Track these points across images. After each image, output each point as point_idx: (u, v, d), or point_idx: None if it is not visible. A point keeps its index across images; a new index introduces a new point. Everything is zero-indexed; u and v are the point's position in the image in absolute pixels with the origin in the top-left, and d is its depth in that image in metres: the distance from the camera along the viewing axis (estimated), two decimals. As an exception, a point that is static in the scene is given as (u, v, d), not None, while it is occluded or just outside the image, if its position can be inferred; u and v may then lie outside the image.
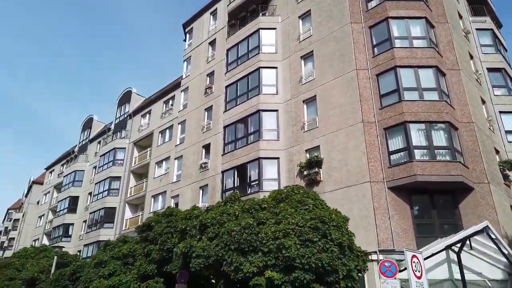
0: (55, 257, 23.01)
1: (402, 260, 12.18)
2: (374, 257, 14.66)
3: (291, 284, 10.45)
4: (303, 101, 20.65)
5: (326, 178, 18.03)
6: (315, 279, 10.62)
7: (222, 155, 22.86)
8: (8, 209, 71.54)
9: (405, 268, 10.02)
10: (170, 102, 31.72)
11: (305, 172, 18.82)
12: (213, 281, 14.83)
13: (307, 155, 19.31)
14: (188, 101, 28.93)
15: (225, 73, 25.16)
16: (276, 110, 21.48)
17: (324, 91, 19.72)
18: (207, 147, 25.43)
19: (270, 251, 10.87)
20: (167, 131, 30.66)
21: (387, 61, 18.15)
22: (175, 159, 28.05)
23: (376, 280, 14.63)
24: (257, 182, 20.03)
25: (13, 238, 54.95)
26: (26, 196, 58.03)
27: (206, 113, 26.74)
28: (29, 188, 55.22)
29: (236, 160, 21.49)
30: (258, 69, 22.61)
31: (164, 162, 29.71)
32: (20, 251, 30.04)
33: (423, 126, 16.72)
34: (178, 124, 29.15)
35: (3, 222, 72.24)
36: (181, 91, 30.22)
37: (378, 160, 16.83)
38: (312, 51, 21.11)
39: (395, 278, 10.04)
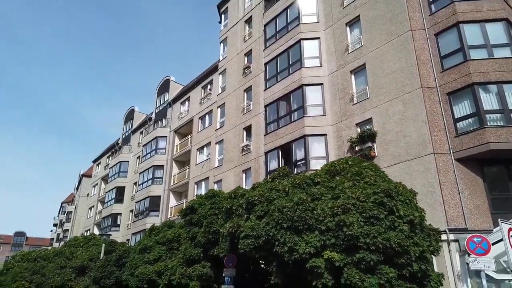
0: (103, 244, 23.03)
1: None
2: (443, 236, 12.96)
3: (355, 266, 9.06)
4: (351, 71, 18.90)
5: (382, 153, 16.33)
6: (383, 260, 9.16)
7: (264, 135, 21.67)
8: (62, 203, 75.18)
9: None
10: (208, 86, 30.87)
11: (356, 148, 17.23)
12: (263, 266, 13.75)
13: (358, 129, 17.68)
14: (226, 83, 27.91)
15: (264, 50, 23.80)
16: (321, 84, 19.89)
17: (374, 58, 17.87)
18: (248, 129, 24.34)
19: (328, 229, 9.51)
20: (207, 116, 29.89)
21: (448, 17, 15.99)
22: (216, 143, 27.23)
23: (447, 261, 13.06)
24: (303, 161, 18.66)
25: (67, 230, 57.29)
26: (77, 189, 60.24)
27: (245, 94, 25.60)
28: (79, 181, 57.18)
29: (280, 139, 20.20)
30: (299, 41, 21.03)
31: (205, 148, 29.02)
32: (70, 240, 30.70)
33: (495, 87, 14.54)
34: (218, 108, 28.26)
35: (58, 215, 76.07)
36: (219, 74, 29.26)
37: (442, 129, 14.91)
38: (359, 15, 19.23)
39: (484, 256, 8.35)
